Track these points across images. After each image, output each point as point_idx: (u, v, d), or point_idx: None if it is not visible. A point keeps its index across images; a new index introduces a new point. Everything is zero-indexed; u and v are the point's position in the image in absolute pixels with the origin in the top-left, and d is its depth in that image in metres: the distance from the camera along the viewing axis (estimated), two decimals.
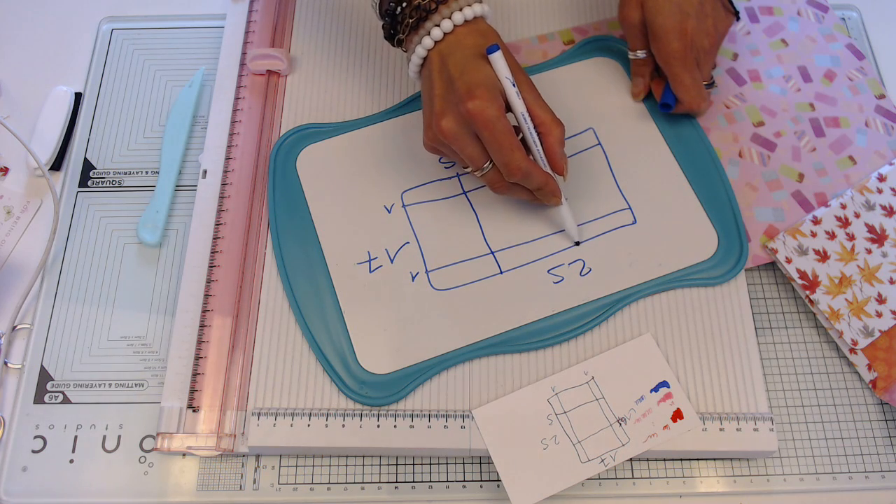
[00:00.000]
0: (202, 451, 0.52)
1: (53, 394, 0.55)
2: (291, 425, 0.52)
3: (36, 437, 0.54)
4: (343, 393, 0.53)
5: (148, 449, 0.54)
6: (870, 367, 0.55)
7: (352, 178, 0.60)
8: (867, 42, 0.69)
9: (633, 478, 0.53)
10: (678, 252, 0.57)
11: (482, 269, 0.57)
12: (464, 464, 0.53)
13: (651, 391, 0.53)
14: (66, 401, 0.55)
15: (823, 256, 0.56)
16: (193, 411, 0.53)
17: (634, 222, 0.58)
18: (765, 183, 0.60)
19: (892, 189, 0.59)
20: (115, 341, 0.57)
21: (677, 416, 0.52)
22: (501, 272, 0.57)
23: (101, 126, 0.65)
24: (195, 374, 0.54)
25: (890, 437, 0.54)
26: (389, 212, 0.59)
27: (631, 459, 0.53)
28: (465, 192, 0.59)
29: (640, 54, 0.60)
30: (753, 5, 0.68)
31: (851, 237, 0.57)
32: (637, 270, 0.57)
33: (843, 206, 0.58)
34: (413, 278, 0.56)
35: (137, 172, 0.63)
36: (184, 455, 0.53)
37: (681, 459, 0.53)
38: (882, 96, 0.64)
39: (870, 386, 0.55)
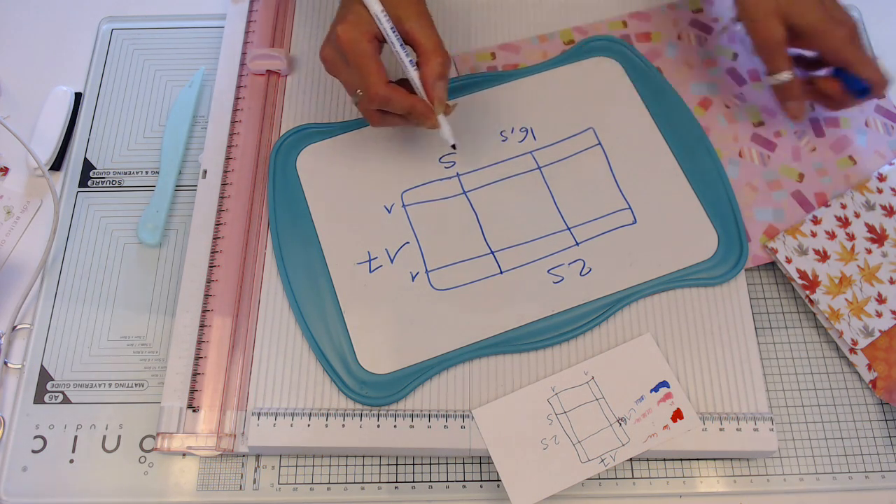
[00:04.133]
0: (202, 451, 0.52)
1: (53, 394, 0.55)
2: (291, 425, 0.52)
3: (36, 437, 0.54)
4: (343, 393, 0.53)
5: (148, 449, 0.54)
6: (870, 367, 0.55)
7: (352, 178, 0.60)
8: (867, 42, 0.69)
9: (633, 478, 0.53)
10: (678, 252, 0.57)
11: (482, 269, 0.57)
12: (464, 464, 0.53)
13: (651, 391, 0.53)
14: (66, 401, 0.55)
15: (823, 256, 0.56)
16: (193, 411, 0.53)
17: (634, 222, 0.58)
18: (765, 183, 0.60)
19: (893, 189, 0.59)
20: (115, 341, 0.57)
21: (677, 416, 0.52)
22: (501, 272, 0.57)
23: (101, 126, 0.65)
24: (195, 374, 0.54)
25: (890, 437, 0.54)
26: (389, 212, 0.59)
27: (631, 459, 0.53)
28: (465, 192, 0.59)
29: (786, 76, 0.56)
30: None
31: (851, 237, 0.57)
32: (637, 270, 0.57)
33: (843, 206, 0.58)
34: (413, 278, 0.56)
35: (137, 172, 0.63)
36: (184, 455, 0.53)
37: (681, 459, 0.53)
38: (882, 96, 0.64)
39: (870, 386, 0.55)
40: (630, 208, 0.59)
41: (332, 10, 0.68)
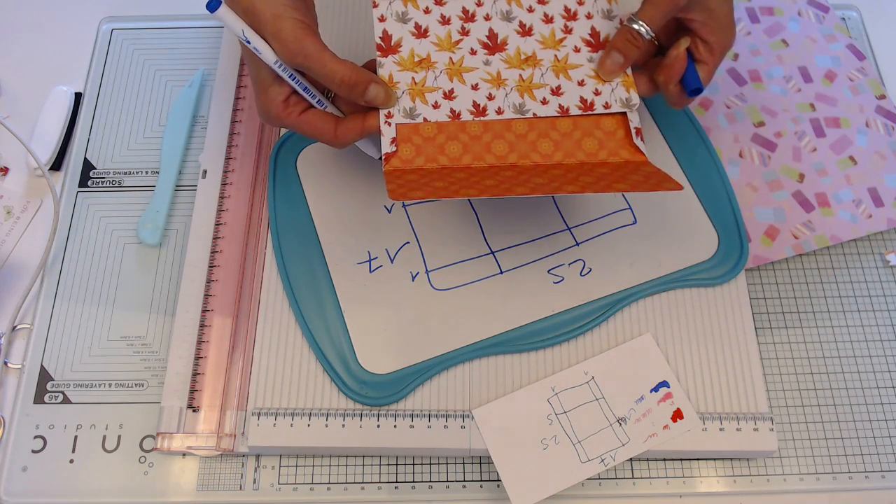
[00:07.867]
0: (202, 451, 0.52)
1: (53, 394, 0.55)
2: (291, 425, 0.52)
3: (36, 437, 0.54)
4: (343, 393, 0.53)
5: (148, 449, 0.54)
6: (394, 142, 0.50)
7: (352, 178, 0.60)
8: (867, 42, 0.69)
9: (633, 478, 0.53)
10: (678, 252, 0.57)
11: (482, 269, 0.57)
12: (464, 464, 0.53)
13: (651, 391, 0.53)
14: (66, 401, 0.55)
15: (421, 34, 0.51)
16: (193, 411, 0.53)
17: (634, 222, 0.58)
18: (765, 183, 0.60)
19: (546, 15, 0.52)
20: (115, 341, 0.57)
21: (677, 415, 0.52)
22: (501, 272, 0.57)
23: (101, 126, 0.65)
24: (195, 373, 0.54)
25: (890, 437, 0.54)
26: (389, 212, 0.59)
27: (631, 459, 0.53)
28: None
29: (645, 31, 0.50)
30: (754, 5, 0.68)
31: (465, 32, 0.52)
32: (637, 270, 0.57)
33: (479, 4, 0.52)
34: (413, 278, 0.56)
35: (137, 172, 0.63)
36: (184, 455, 0.53)
37: (681, 459, 0.53)
38: (882, 97, 0.64)
39: (381, 158, 0.50)
40: (630, 208, 0.59)
41: (331, 10, 0.68)
